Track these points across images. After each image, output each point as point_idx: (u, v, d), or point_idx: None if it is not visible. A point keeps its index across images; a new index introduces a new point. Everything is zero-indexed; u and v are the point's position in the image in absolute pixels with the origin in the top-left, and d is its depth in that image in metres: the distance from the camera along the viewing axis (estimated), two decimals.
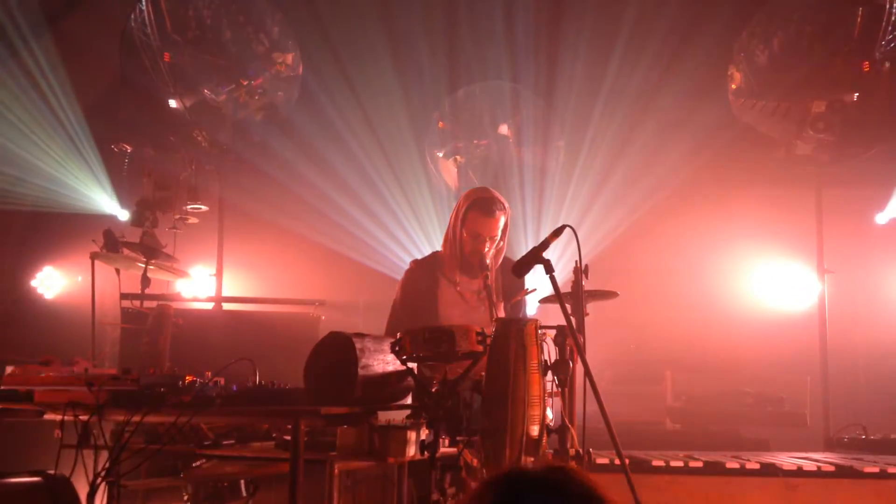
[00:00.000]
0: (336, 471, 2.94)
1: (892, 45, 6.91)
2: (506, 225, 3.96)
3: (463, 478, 3.03)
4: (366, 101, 7.24)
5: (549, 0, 7.10)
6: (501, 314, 3.94)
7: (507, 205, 3.97)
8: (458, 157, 7.62)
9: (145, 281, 5.46)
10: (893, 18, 6.89)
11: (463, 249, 3.94)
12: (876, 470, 3.73)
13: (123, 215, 7.16)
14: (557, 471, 1.42)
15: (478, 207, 3.90)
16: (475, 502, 1.41)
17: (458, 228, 3.94)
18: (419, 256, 4.34)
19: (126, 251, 5.51)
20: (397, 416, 3.19)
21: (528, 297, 4.16)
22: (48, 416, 3.20)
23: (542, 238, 3.27)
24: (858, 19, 6.93)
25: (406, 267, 4.18)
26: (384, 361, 3.08)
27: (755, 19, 7.11)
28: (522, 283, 3.99)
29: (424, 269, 4.08)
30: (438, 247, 4.20)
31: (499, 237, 3.95)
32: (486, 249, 3.90)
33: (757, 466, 3.77)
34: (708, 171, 7.03)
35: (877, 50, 6.90)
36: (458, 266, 3.99)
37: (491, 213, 3.88)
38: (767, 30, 7.12)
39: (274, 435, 3.31)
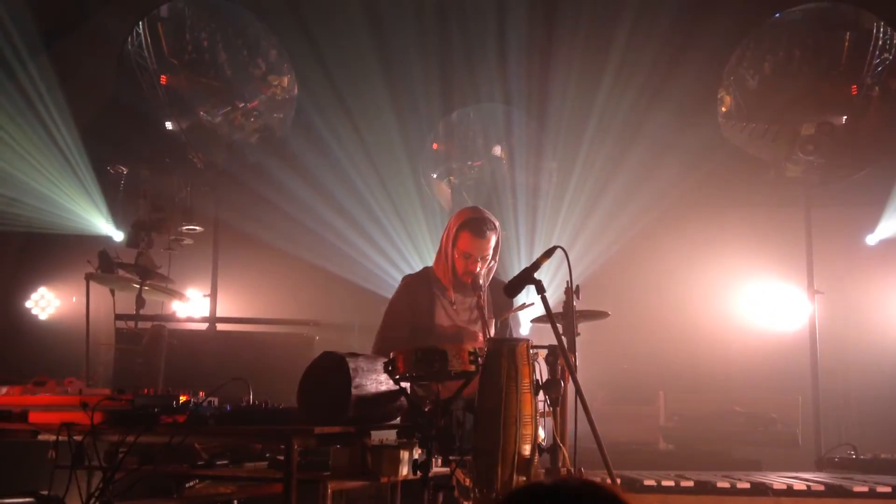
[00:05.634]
0: (329, 491, 2.95)
1: (879, 68, 7.02)
2: (497, 244, 3.93)
3: (455, 497, 3.04)
4: (360, 124, 7.29)
5: (541, 24, 7.18)
6: (492, 332, 3.95)
7: (497, 224, 3.95)
8: (451, 179, 7.69)
9: (140, 302, 5.48)
10: (880, 43, 7.01)
11: (455, 269, 3.94)
12: (865, 489, 3.74)
13: (118, 236, 7.18)
14: (598, 486, 1.39)
15: (469, 228, 3.87)
16: None
17: (450, 248, 3.92)
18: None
19: (121, 272, 5.53)
20: (390, 435, 3.21)
21: (521, 316, 4.15)
22: (42, 437, 3.20)
23: (534, 258, 3.30)
24: (846, 44, 7.06)
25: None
26: (377, 381, 3.09)
27: (744, 44, 7.22)
28: (511, 303, 4.00)
29: (420, 284, 4.06)
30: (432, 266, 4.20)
31: (490, 256, 3.93)
32: (478, 269, 3.89)
33: (747, 486, 3.77)
34: (698, 193, 7.09)
35: (864, 73, 7.02)
36: (450, 284, 3.99)
37: (482, 233, 3.86)
38: (757, 54, 7.24)
39: (267, 455, 3.32)
